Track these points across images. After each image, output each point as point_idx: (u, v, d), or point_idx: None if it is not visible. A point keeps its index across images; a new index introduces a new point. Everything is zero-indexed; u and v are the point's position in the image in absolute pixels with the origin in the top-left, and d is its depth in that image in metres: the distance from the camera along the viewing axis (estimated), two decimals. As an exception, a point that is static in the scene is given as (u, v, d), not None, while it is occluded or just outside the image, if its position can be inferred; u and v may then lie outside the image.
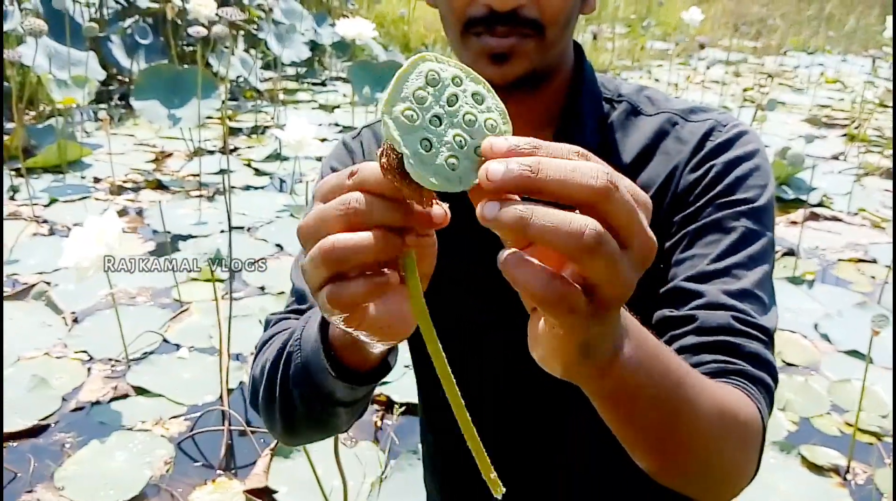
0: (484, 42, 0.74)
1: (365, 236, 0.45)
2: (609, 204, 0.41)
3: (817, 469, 1.95)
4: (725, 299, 0.75)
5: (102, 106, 4.86)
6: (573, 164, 0.42)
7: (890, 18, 4.98)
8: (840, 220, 3.59)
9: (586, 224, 0.40)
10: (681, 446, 0.63)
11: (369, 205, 0.45)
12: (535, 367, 0.56)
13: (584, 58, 0.86)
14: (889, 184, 4.10)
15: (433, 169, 0.44)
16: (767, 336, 0.76)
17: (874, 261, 3.13)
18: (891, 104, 5.83)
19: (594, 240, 0.40)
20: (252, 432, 2.00)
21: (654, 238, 0.44)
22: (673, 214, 0.81)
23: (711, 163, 0.80)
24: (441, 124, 0.45)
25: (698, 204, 0.80)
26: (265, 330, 0.85)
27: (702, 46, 6.23)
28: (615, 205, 0.41)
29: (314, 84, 5.81)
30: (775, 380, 0.75)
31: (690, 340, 0.74)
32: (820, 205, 3.73)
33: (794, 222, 3.45)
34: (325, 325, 0.64)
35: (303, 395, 0.69)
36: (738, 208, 0.78)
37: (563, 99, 0.84)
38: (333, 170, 0.89)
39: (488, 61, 0.74)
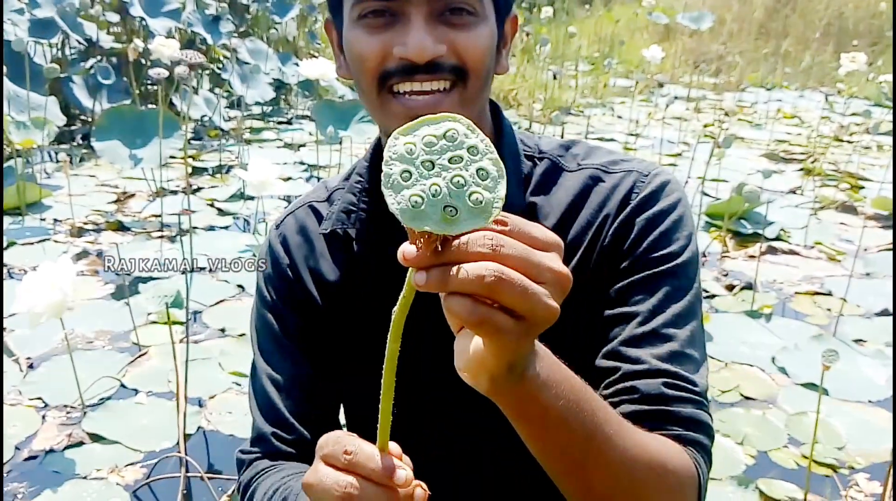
0: (402, 103, 0.73)
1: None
2: (503, 258, 0.48)
3: (775, 502, 1.96)
4: (657, 364, 0.77)
5: (63, 146, 4.81)
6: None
7: (844, 56, 5.14)
8: (797, 253, 3.65)
9: (483, 270, 0.47)
10: (598, 474, 0.64)
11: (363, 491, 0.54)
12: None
13: (503, 116, 0.86)
14: (844, 217, 4.20)
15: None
16: (700, 394, 0.78)
17: (830, 294, 3.19)
18: (845, 139, 5.99)
19: (494, 281, 0.47)
20: (210, 478, 1.97)
21: (566, 271, 0.50)
22: (601, 267, 0.83)
23: (636, 219, 0.82)
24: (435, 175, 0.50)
25: (625, 263, 0.82)
26: (241, 470, 0.89)
27: (660, 85, 6.36)
28: (508, 257, 0.48)
29: (280, 122, 5.82)
30: (711, 438, 0.77)
31: (626, 409, 0.75)
32: (777, 239, 3.79)
33: (751, 256, 3.50)
34: None
35: None
36: (664, 267, 0.81)
37: None
38: (267, 273, 0.93)
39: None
